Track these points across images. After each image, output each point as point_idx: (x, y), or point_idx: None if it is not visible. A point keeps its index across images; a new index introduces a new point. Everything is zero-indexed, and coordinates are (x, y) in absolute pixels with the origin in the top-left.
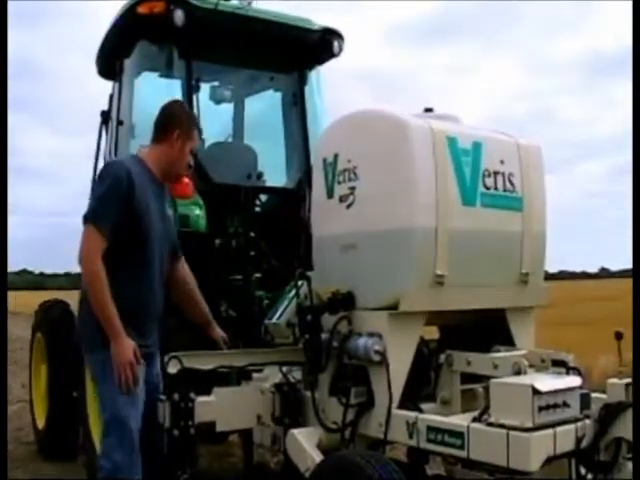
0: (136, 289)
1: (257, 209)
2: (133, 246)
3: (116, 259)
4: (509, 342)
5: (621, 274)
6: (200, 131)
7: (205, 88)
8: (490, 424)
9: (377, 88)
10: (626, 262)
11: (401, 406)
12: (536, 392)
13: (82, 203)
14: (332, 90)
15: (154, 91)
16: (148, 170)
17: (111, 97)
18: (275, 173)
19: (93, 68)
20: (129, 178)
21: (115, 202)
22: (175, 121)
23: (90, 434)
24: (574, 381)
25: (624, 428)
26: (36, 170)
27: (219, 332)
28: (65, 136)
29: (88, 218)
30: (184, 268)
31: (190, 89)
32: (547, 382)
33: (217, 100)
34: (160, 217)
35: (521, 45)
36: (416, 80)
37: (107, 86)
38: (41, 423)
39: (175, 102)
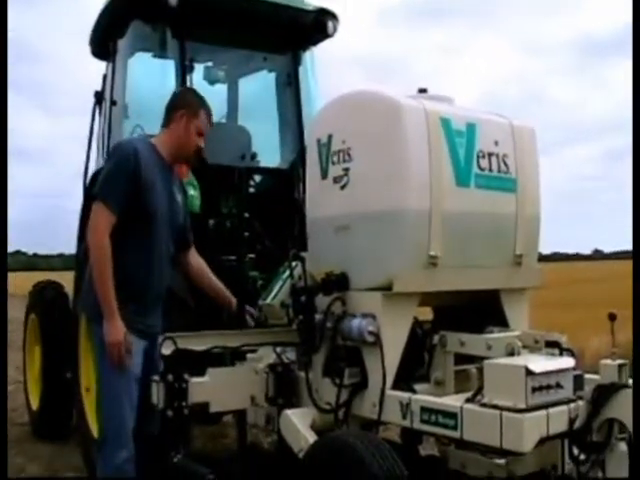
0: (141, 268)
1: (251, 190)
2: (139, 225)
3: (122, 238)
4: (503, 323)
5: (614, 256)
6: (210, 113)
7: (199, 69)
8: (483, 405)
9: (370, 69)
10: (619, 244)
11: (395, 387)
12: (529, 373)
13: (75, 184)
14: (325, 73)
15: (148, 71)
16: (157, 153)
17: (104, 78)
18: (269, 154)
19: (82, 50)
20: (136, 156)
21: (123, 179)
22: (181, 103)
23: (84, 414)
24: (567, 362)
25: (617, 409)
26: (29, 151)
27: (246, 309)
28: (57, 117)
29: (97, 196)
30: (195, 257)
31: (184, 69)
32: (540, 363)
33: (211, 81)
34: (168, 199)
35: (514, 27)
36: (409, 61)
37: (98, 67)
38: (35, 404)
39: (185, 88)
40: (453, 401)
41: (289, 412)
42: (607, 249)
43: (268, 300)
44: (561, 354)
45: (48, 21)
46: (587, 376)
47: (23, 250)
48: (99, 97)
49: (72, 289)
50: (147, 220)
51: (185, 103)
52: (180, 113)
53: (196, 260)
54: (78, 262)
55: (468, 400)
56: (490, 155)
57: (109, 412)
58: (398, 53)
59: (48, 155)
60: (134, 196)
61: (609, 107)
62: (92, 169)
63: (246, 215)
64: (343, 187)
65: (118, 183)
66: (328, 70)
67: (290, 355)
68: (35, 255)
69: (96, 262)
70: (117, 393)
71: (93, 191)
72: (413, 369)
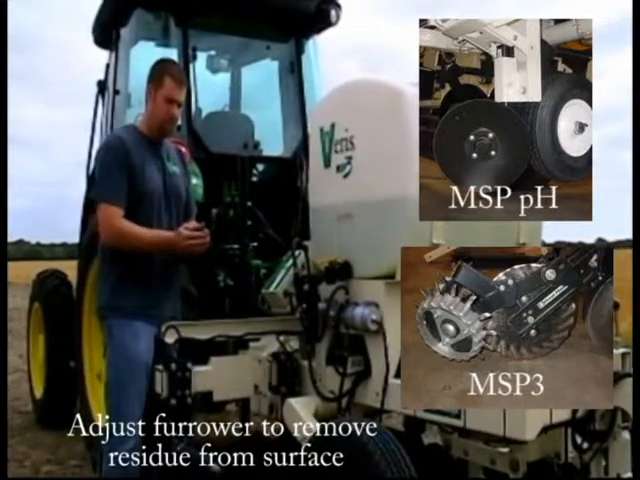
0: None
1: (254, 178)
2: (135, 210)
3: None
4: None
5: (617, 245)
6: (176, 76)
7: (202, 57)
8: None
9: (370, 57)
10: (622, 233)
11: (398, 375)
12: None
13: (79, 173)
14: (326, 63)
15: (150, 60)
16: (141, 134)
17: (107, 66)
18: (272, 142)
19: (77, 38)
20: (122, 144)
21: (116, 172)
22: (149, 77)
23: (87, 403)
24: None
25: (619, 397)
26: (30, 140)
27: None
28: (58, 106)
29: (97, 199)
30: None
31: (187, 58)
32: None
33: (214, 69)
34: (163, 175)
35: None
36: (409, 50)
37: (97, 56)
38: (39, 393)
39: (157, 60)
40: None
41: (292, 400)
42: (610, 238)
43: (271, 289)
44: None
45: (41, 9)
46: None
47: (26, 239)
48: (102, 86)
49: (75, 278)
50: (142, 203)
51: (151, 76)
52: (149, 88)
53: None
54: (81, 251)
55: None
56: None
57: (116, 401)
58: (397, 41)
59: (50, 144)
60: (129, 183)
61: (609, 94)
62: None
63: (249, 204)
64: (346, 175)
65: (112, 176)
66: (327, 60)
67: (293, 344)
68: (38, 244)
69: (125, 240)
70: (124, 382)
71: (91, 195)
72: None
